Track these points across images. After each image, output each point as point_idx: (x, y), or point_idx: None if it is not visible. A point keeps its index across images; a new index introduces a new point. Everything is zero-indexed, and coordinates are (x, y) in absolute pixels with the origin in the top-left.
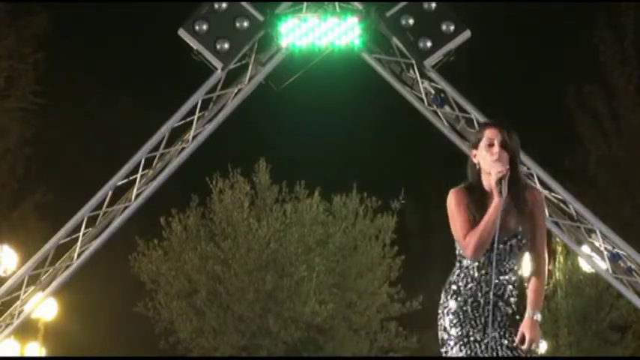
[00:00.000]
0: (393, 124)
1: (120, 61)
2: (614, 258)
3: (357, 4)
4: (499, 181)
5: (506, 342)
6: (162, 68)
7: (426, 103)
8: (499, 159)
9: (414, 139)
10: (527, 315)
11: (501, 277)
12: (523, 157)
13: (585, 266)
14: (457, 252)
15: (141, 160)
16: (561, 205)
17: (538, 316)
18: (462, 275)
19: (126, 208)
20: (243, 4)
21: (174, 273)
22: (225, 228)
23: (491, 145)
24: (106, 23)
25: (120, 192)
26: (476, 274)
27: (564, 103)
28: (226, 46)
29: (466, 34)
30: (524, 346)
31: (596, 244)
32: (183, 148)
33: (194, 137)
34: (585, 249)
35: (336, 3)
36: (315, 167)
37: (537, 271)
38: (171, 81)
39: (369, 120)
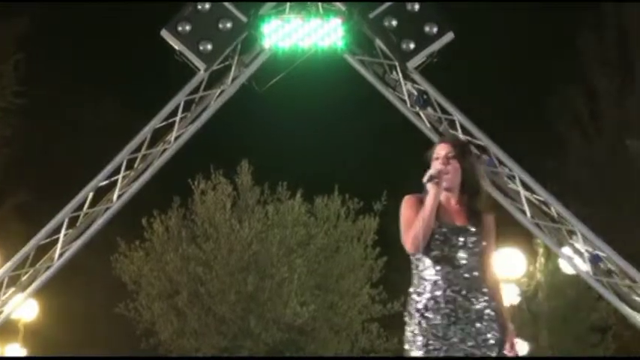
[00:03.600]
0: (376, 126)
1: (102, 62)
2: (594, 260)
3: (340, 5)
4: (429, 179)
5: (465, 346)
6: (145, 69)
7: (408, 105)
8: (441, 167)
9: (396, 141)
10: (511, 328)
11: (456, 273)
12: (505, 158)
13: (566, 268)
14: (411, 260)
15: (123, 161)
16: (542, 206)
17: (511, 326)
18: (419, 281)
19: (107, 209)
20: (227, 5)
21: (156, 274)
22: (207, 229)
23: (437, 158)
24: (89, 24)
25: (101, 193)
26: (432, 273)
27: (546, 104)
28: (209, 47)
29: (449, 36)
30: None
31: (577, 245)
32: (165, 149)
33: (176, 138)
34: (566, 250)
35: (319, 4)
36: (298, 169)
37: (497, 283)
38: (153, 82)
39: (351, 121)
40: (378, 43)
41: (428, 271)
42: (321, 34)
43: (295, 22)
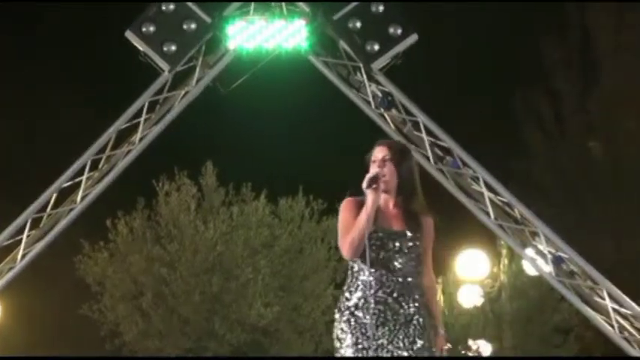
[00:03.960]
0: (340, 127)
1: (65, 62)
2: (557, 261)
3: (304, 6)
4: (369, 182)
5: (392, 347)
6: (109, 70)
7: (373, 106)
8: (381, 172)
9: (361, 142)
10: (441, 332)
11: (390, 276)
12: (469, 159)
13: (529, 269)
14: (348, 261)
15: (87, 162)
16: (506, 208)
17: (441, 331)
18: (354, 281)
19: (71, 210)
20: (191, 5)
21: (120, 275)
22: (172, 230)
23: (375, 161)
24: (52, 24)
25: (65, 194)
26: (366, 274)
27: (510, 106)
28: (173, 48)
29: (413, 38)
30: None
31: (540, 247)
32: (129, 150)
33: (141, 139)
34: (529, 252)
35: (283, 4)
36: (262, 170)
37: (432, 287)
38: (117, 82)
39: (315, 122)
40: (343, 44)
41: (363, 272)
42: (285, 36)
43: (259, 24)
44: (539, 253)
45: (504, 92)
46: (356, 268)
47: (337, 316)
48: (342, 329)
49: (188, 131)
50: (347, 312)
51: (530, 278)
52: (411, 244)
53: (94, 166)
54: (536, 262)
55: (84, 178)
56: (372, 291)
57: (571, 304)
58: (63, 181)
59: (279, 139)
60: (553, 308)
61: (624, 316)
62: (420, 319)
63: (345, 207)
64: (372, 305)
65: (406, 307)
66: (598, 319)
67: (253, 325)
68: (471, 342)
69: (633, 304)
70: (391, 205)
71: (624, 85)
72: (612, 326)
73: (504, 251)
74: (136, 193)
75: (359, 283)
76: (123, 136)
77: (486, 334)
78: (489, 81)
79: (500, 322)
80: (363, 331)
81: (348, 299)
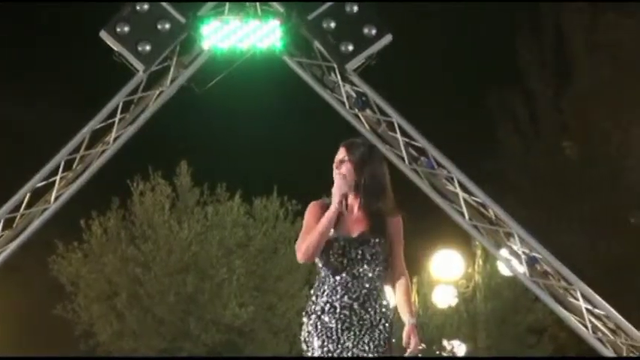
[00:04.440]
0: (315, 127)
1: (40, 62)
2: (531, 261)
3: (278, 7)
4: (338, 195)
5: (357, 350)
6: (84, 69)
7: (347, 107)
8: (341, 173)
9: (336, 143)
10: (409, 322)
11: (356, 282)
12: (443, 160)
13: (504, 269)
14: (316, 265)
15: (61, 162)
16: (480, 208)
17: (415, 322)
18: (320, 284)
19: (45, 210)
20: (165, 5)
21: (95, 275)
22: (146, 230)
23: (335, 163)
24: (27, 23)
25: (39, 194)
26: (331, 281)
27: (484, 106)
28: (148, 48)
29: (387, 38)
30: (410, 349)
31: (515, 247)
32: (104, 150)
33: (115, 139)
34: (504, 252)
35: (258, 5)
36: (237, 170)
37: (403, 284)
38: (92, 82)
39: (290, 123)
40: (317, 44)
41: (329, 278)
42: (260, 36)
43: (234, 24)
44: (514, 253)
45: (479, 92)
46: (323, 274)
47: (305, 319)
48: (309, 332)
49: (163, 131)
50: (314, 316)
51: (504, 279)
52: (374, 250)
53: (68, 166)
54: (510, 263)
55: (58, 177)
56: (338, 296)
57: (545, 304)
58: (37, 181)
59: (253, 139)
60: (527, 308)
61: (597, 317)
62: (387, 325)
63: (309, 210)
64: (338, 310)
65: (372, 312)
66: (572, 319)
67: (228, 325)
68: (445, 342)
69: (606, 305)
70: (356, 207)
71: (598, 86)
72: (586, 326)
73: (479, 252)
74: (110, 193)
75: (325, 287)
76: (97, 136)
77: (461, 334)
78: (463, 81)
79: (474, 322)
80: (329, 334)
81: (315, 303)
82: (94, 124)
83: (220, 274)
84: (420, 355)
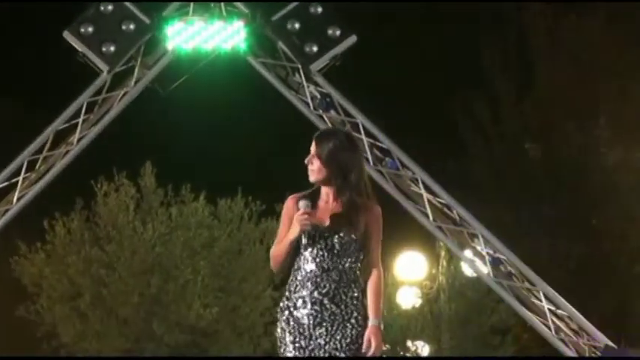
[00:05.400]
0: (279, 128)
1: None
2: (495, 262)
3: (243, 7)
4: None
5: (329, 348)
6: (47, 70)
7: (311, 107)
8: (312, 169)
9: (300, 143)
10: (370, 323)
11: (325, 276)
12: (408, 161)
13: (468, 270)
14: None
15: (23, 163)
16: (445, 209)
17: (381, 324)
18: (293, 279)
19: (7, 210)
20: (130, 6)
21: (58, 276)
22: (110, 231)
23: (312, 157)
24: None
25: (1, 195)
26: (303, 273)
27: (448, 108)
28: (112, 48)
29: (352, 39)
30: (371, 352)
31: (479, 248)
32: (67, 151)
33: (79, 140)
34: (468, 253)
35: (222, 5)
36: (201, 171)
37: (374, 281)
38: (55, 83)
39: (254, 123)
40: (281, 45)
41: (300, 272)
42: (224, 37)
43: (198, 24)
44: (478, 254)
45: (443, 95)
46: (296, 266)
47: (278, 315)
48: (282, 328)
49: (127, 132)
50: (286, 311)
51: (468, 279)
52: (344, 241)
53: (31, 166)
54: (474, 264)
55: (20, 178)
56: (309, 291)
57: (509, 305)
58: None
59: (218, 140)
60: (491, 309)
61: (560, 318)
62: (359, 319)
63: (285, 207)
64: (309, 305)
65: (343, 306)
66: (535, 320)
67: (192, 326)
68: (409, 343)
69: (569, 306)
70: (332, 197)
71: (559, 87)
72: (549, 327)
73: (443, 253)
74: (74, 193)
75: (297, 282)
76: (61, 137)
77: (425, 335)
78: (428, 83)
79: (438, 323)
80: (301, 330)
81: (288, 299)
82: (58, 124)
83: (184, 275)
84: (384, 355)
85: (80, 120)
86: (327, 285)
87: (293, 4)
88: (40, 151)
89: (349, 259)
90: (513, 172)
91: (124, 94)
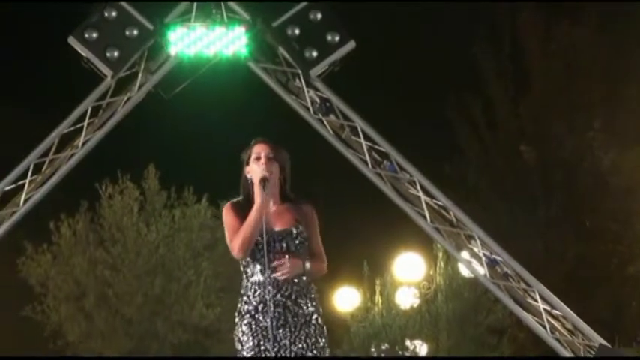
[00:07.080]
0: (279, 132)
1: (5, 67)
2: (491, 263)
3: (244, 13)
4: (262, 182)
5: (295, 348)
6: (53, 75)
7: (311, 112)
8: (266, 168)
9: (300, 147)
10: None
11: (283, 277)
12: (406, 164)
13: (465, 271)
14: (240, 265)
15: (29, 166)
16: (442, 211)
17: (307, 265)
18: (249, 284)
19: (14, 212)
20: (133, 12)
21: (63, 277)
22: (115, 233)
23: (258, 158)
24: None
25: (8, 197)
26: (260, 278)
27: (445, 111)
28: (116, 54)
29: (351, 45)
30: (286, 266)
31: (475, 249)
32: (73, 154)
33: (84, 143)
34: (465, 254)
35: (224, 11)
36: (203, 174)
37: (317, 269)
38: (61, 87)
39: (255, 127)
40: (281, 51)
41: (256, 276)
42: (225, 42)
43: (200, 31)
44: (474, 255)
45: (440, 99)
46: (249, 272)
47: (237, 319)
48: (243, 332)
49: (131, 135)
50: (247, 315)
51: (465, 280)
52: (297, 240)
53: (37, 169)
54: (471, 265)
55: (27, 181)
56: (270, 295)
57: (505, 305)
58: (5, 185)
59: (219, 143)
60: (488, 309)
61: (555, 317)
62: (319, 318)
63: (228, 213)
64: (272, 308)
65: (305, 307)
66: (530, 320)
67: (195, 326)
68: (408, 342)
69: (564, 306)
70: (272, 202)
71: (553, 91)
72: (544, 327)
73: (440, 254)
74: (79, 196)
75: (256, 287)
76: (66, 141)
77: (423, 334)
78: (425, 88)
79: (436, 322)
80: (264, 333)
81: (247, 302)
82: (63, 128)
83: (187, 275)
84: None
85: (85, 124)
86: (290, 288)
87: (293, 11)
88: (46, 154)
89: (304, 258)
90: (509, 174)
91: (128, 99)
